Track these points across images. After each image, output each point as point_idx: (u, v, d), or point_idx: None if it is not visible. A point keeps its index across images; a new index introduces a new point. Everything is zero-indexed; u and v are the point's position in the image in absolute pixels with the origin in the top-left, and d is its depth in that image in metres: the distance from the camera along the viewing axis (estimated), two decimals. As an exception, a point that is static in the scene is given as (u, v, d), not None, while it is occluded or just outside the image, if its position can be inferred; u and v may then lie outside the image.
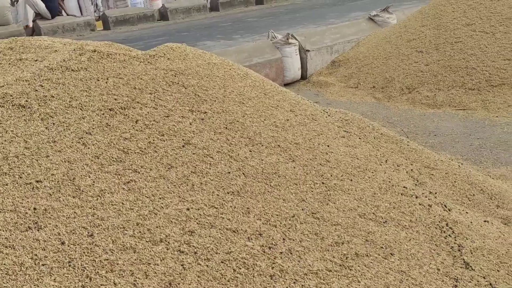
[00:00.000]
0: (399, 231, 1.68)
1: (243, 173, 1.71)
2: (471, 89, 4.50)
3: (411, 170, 2.13)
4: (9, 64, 1.94)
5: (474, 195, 2.13)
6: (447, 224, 1.78)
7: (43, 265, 1.24)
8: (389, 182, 1.93)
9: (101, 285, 1.23)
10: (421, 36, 5.25)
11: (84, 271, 1.25)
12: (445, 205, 1.93)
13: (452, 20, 5.14)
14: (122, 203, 1.46)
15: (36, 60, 1.90)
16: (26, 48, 2.03)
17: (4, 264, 1.21)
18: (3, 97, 1.69)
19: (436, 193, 2.04)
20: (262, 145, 1.85)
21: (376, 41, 5.75)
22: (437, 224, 1.77)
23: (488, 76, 4.50)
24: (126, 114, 1.70)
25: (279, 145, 1.89)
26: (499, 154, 3.50)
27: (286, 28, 8.49)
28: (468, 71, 4.61)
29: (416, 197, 1.90)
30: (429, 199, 1.94)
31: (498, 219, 2.02)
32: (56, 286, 1.19)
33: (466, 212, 1.97)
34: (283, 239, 1.53)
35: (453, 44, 4.90)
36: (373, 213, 1.72)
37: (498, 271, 1.64)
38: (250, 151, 1.80)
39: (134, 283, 1.27)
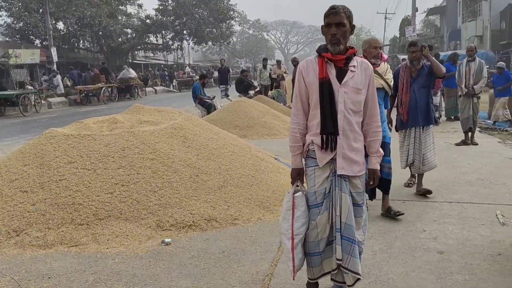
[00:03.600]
0: None
1: None
2: (80, 224, 4.61)
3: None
4: None
5: None
6: None
7: None
8: None
9: None
10: (24, 175, 5.13)
11: None
12: None
13: (54, 159, 5.26)
14: None
15: None
16: None
17: None
18: None
19: None
20: None
21: (-27, 183, 5.26)
22: None
23: (95, 210, 4.73)
24: None
25: None
26: (113, 285, 3.63)
27: None
28: (76, 207, 4.74)
29: None
30: None
31: None
32: None
33: None
34: None
35: (58, 182, 4.98)
36: None
37: None
38: None
39: None
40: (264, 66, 17.97)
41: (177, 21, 40.41)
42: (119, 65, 37.06)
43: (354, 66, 3.02)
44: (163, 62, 50.09)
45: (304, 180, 3.21)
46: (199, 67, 55.86)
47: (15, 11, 33.16)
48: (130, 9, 39.26)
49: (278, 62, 18.17)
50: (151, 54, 45.70)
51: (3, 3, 33.10)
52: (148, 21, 39.78)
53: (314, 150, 3.07)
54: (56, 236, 4.47)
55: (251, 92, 18.04)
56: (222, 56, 66.19)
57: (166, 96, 29.99)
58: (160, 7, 40.42)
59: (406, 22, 38.23)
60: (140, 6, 36.65)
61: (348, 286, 3.14)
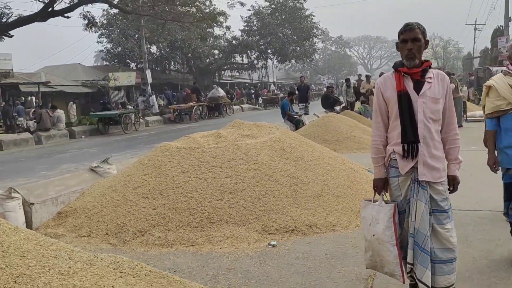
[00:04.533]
0: None
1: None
2: (195, 226, 5.14)
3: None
4: None
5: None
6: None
7: None
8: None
9: None
10: (145, 183, 5.79)
11: None
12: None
13: (170, 169, 5.88)
14: None
15: None
16: None
17: None
18: None
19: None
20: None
21: (101, 190, 6.01)
22: None
23: (208, 215, 5.25)
24: None
25: (65, 293, 1.93)
26: (231, 279, 4.08)
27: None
28: (191, 211, 5.29)
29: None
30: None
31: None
32: None
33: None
34: None
35: (174, 189, 5.58)
36: None
37: None
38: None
39: None
40: (348, 86, 18.40)
41: (261, 40, 41.64)
42: (207, 85, 38.83)
43: (430, 78, 3.23)
44: (248, 81, 51.55)
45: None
46: (282, 84, 56.78)
47: (114, 38, 36.02)
48: (218, 31, 41.08)
49: (368, 77, 18.40)
50: (237, 73, 47.27)
51: (104, 31, 36.06)
52: (234, 41, 41.32)
53: (395, 159, 3.25)
54: (176, 236, 5.04)
55: (337, 108, 18.26)
56: (304, 73, 66.67)
57: (253, 113, 30.87)
58: (246, 28, 41.88)
59: (498, 33, 36.53)
60: (228, 28, 38.26)
61: None
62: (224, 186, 5.59)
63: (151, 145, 14.07)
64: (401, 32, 3.24)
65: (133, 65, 38.15)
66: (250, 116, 27.30)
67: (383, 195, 3.34)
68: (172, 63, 41.40)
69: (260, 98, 38.01)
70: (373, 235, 3.28)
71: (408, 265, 3.18)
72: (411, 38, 3.17)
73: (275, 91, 38.83)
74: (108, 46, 37.00)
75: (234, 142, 6.46)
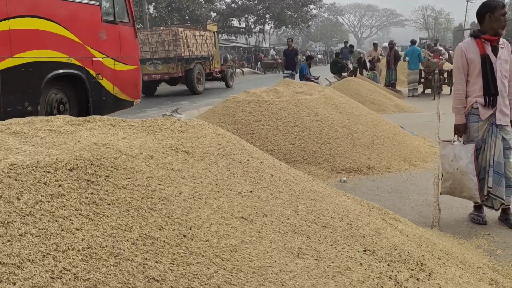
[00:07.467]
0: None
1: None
2: (275, 165, 6.10)
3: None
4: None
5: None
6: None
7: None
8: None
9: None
10: (224, 129, 6.69)
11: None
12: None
13: (244, 118, 6.80)
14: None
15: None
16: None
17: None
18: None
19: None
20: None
21: (182, 135, 6.90)
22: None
23: (284, 156, 6.21)
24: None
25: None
26: (323, 202, 5.06)
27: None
28: (269, 153, 6.20)
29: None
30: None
31: None
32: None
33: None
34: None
35: (252, 134, 6.51)
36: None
37: None
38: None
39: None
40: (351, 52, 19.74)
41: (260, 5, 41.92)
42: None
43: (501, 44, 4.22)
44: (244, 45, 51.87)
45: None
46: (276, 50, 57.14)
47: (112, -3, 35.97)
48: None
49: (375, 45, 19.38)
50: (233, 37, 47.59)
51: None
52: (233, 5, 41.55)
53: (477, 108, 4.22)
54: (261, 172, 5.99)
55: (344, 74, 19.18)
56: (296, 39, 66.74)
57: (254, 77, 31.62)
58: (246, -9, 42.16)
59: (493, 6, 37.29)
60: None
61: (495, 209, 4.30)
62: (294, 134, 6.54)
63: (176, 102, 15.07)
64: (501, 7, 4.13)
65: (131, 25, 38.18)
66: (251, 80, 28.09)
67: (463, 137, 4.32)
68: (169, 24, 41.50)
69: (259, 62, 38.63)
70: (457, 169, 4.27)
71: (488, 188, 4.20)
72: (505, 14, 4.12)
73: (275, 56, 39.46)
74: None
75: (294, 97, 7.38)
